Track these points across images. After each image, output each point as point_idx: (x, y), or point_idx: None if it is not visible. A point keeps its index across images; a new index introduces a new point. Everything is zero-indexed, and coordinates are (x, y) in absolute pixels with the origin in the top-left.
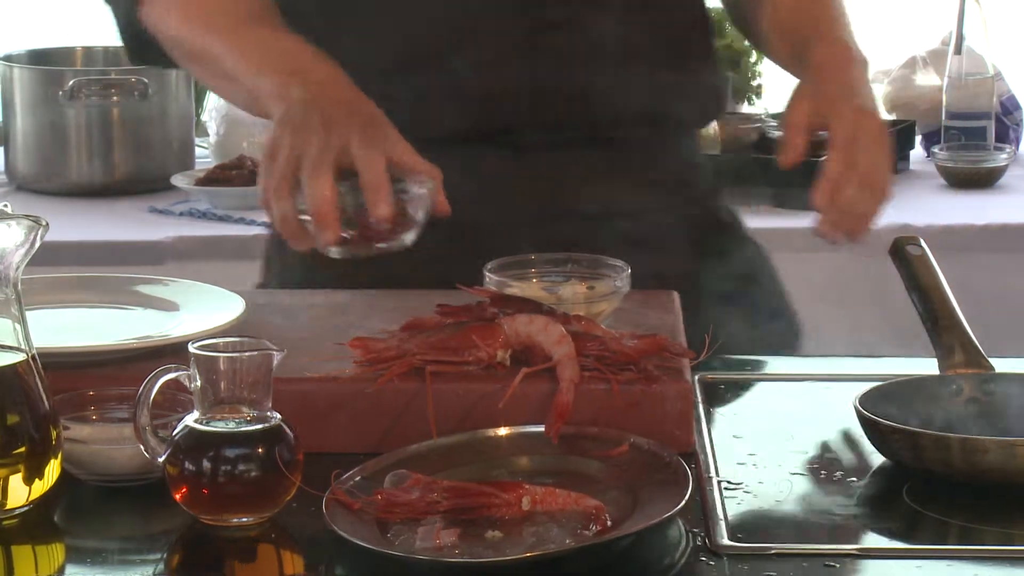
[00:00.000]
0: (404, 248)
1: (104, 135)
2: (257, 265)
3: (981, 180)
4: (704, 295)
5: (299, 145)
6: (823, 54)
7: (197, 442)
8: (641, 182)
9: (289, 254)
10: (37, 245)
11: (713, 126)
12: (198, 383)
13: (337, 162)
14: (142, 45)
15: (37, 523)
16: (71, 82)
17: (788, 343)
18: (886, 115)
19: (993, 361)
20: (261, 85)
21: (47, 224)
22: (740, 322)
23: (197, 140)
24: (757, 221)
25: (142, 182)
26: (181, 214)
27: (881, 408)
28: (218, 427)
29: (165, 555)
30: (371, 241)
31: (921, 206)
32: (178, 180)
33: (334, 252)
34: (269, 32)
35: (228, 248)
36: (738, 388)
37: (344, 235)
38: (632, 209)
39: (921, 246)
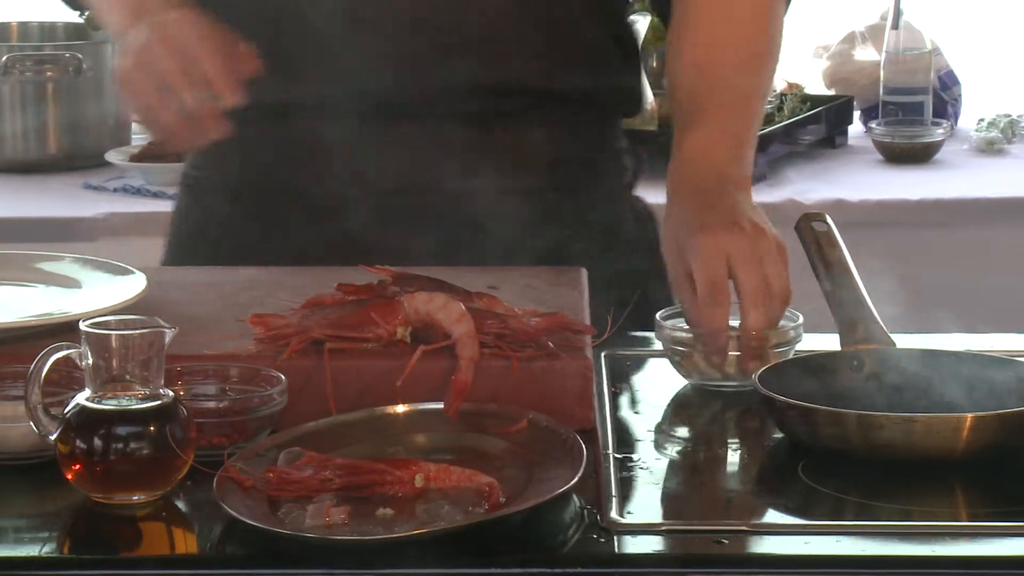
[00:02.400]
0: None
1: (38, 111)
2: None
3: (917, 155)
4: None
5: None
6: (692, 148)
7: (88, 420)
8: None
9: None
10: None
11: (650, 102)
12: (89, 361)
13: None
14: None
15: None
16: (5, 57)
17: None
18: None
19: (900, 337)
20: (110, 24)
21: None
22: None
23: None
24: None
25: (77, 158)
26: (115, 190)
27: (782, 384)
28: (109, 405)
29: (57, 533)
30: None
31: (857, 181)
32: (112, 156)
33: None
34: None
35: (162, 224)
36: (643, 365)
37: None
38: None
39: (827, 222)
